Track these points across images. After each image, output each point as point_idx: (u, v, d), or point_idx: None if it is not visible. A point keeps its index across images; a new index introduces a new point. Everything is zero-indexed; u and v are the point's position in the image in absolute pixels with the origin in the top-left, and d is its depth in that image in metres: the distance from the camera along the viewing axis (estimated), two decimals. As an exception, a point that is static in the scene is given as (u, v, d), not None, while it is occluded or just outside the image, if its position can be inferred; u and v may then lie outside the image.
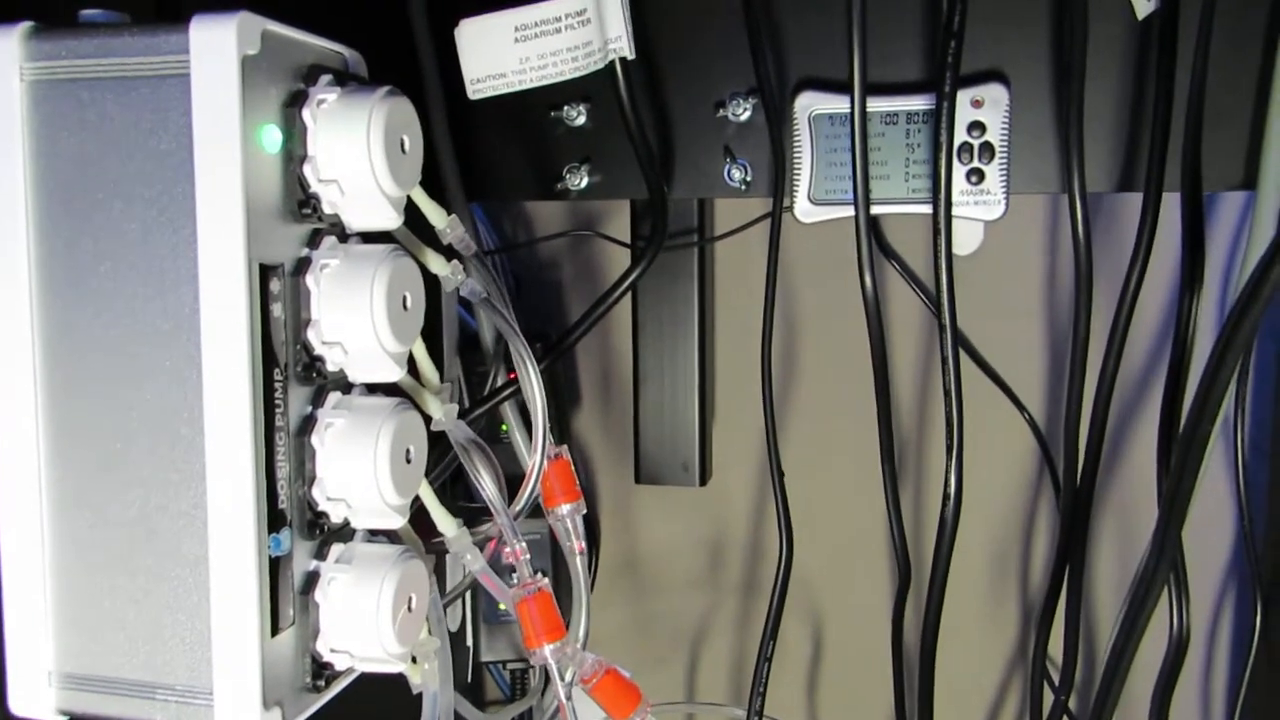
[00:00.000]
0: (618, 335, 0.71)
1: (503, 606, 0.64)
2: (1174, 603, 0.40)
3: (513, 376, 0.58)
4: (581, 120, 0.54)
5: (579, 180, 0.55)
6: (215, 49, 0.30)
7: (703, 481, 0.65)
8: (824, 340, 0.69)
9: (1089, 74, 0.46)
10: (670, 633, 0.74)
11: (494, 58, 0.48)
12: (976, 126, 0.50)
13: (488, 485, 0.40)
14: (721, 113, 0.53)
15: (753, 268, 0.69)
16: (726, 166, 0.54)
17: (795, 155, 0.52)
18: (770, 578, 0.71)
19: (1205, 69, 0.41)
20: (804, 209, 0.53)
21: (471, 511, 0.44)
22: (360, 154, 0.32)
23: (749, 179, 0.53)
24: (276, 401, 0.32)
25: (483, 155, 0.56)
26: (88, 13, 0.32)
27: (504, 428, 0.58)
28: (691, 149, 0.54)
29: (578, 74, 0.47)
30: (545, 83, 0.48)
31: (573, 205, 0.70)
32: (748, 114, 0.53)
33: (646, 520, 0.73)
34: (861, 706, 0.72)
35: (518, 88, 0.48)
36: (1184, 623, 0.39)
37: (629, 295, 0.63)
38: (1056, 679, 0.56)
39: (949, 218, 0.45)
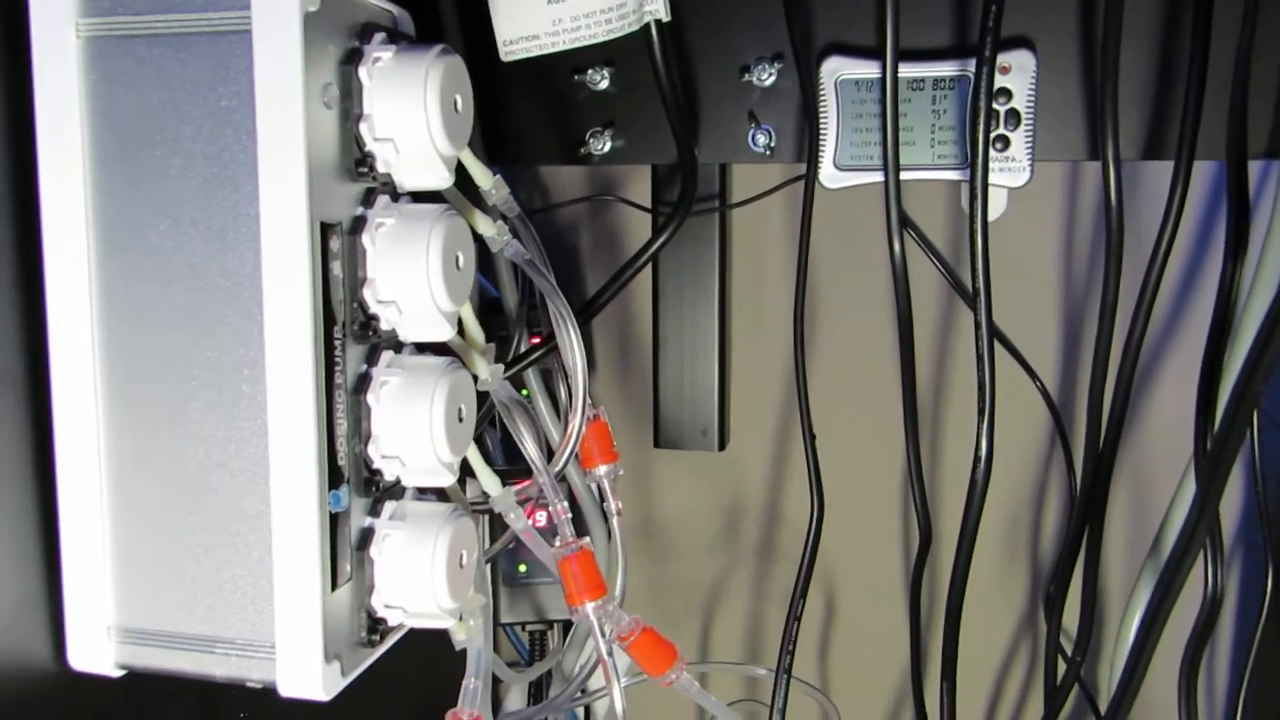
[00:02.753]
0: (635, 301, 0.71)
1: (523, 569, 0.65)
2: (1208, 563, 0.41)
3: (534, 340, 0.58)
4: (605, 84, 0.54)
5: (602, 145, 0.55)
6: (278, 5, 0.30)
7: (721, 446, 0.65)
8: (838, 307, 0.69)
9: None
10: (685, 596, 0.75)
11: (527, 19, 0.48)
12: (1003, 93, 0.50)
13: (529, 445, 0.40)
14: (746, 78, 0.53)
15: (767, 233, 0.69)
16: (751, 132, 0.54)
17: (821, 121, 0.52)
18: (786, 542, 0.73)
19: (1255, 24, 0.41)
20: (829, 175, 0.53)
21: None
22: (417, 113, 0.32)
23: (773, 144, 0.54)
24: (336, 359, 0.32)
25: (505, 119, 0.56)
26: (142, -32, 0.32)
27: (524, 392, 0.58)
28: (716, 114, 0.54)
29: (611, 36, 0.47)
30: (579, 45, 0.48)
31: (590, 170, 0.70)
32: (772, 79, 0.53)
33: (662, 485, 0.73)
34: (873, 670, 0.73)
35: (550, 50, 0.48)
36: (1218, 583, 0.40)
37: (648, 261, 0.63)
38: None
39: (985, 182, 0.45)
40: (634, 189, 0.68)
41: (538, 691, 0.67)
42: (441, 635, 0.38)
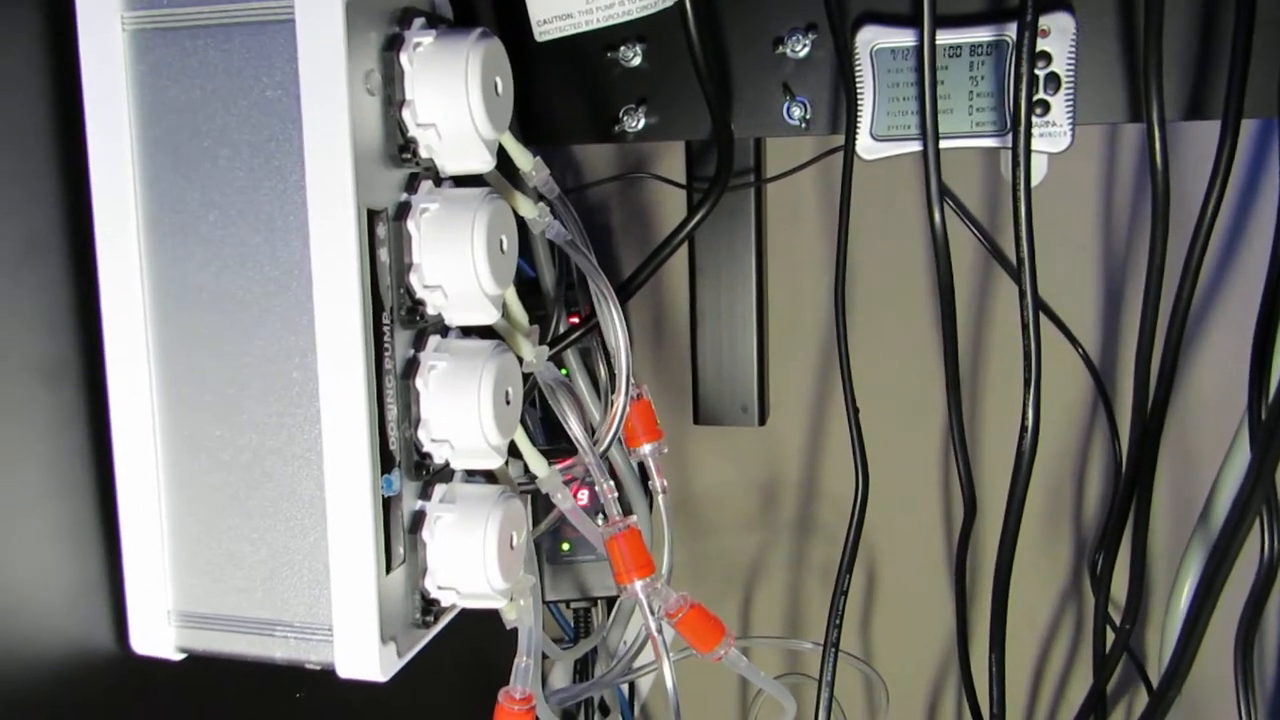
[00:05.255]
0: (670, 277, 0.71)
1: (566, 547, 0.65)
2: (1265, 529, 0.40)
3: (572, 320, 0.58)
4: (638, 61, 0.54)
5: (636, 122, 0.55)
6: (320, -7, 0.30)
7: (762, 421, 0.65)
8: (873, 278, 0.69)
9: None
10: (725, 571, 0.75)
11: (560, -2, 0.47)
12: (1042, 56, 0.49)
13: (574, 425, 0.40)
14: (780, 49, 0.52)
15: (801, 206, 0.68)
16: (786, 104, 0.53)
17: (857, 91, 0.52)
18: (824, 515, 0.73)
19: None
20: (866, 145, 0.52)
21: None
22: (459, 98, 0.32)
23: (808, 116, 0.53)
24: (385, 345, 0.33)
25: (538, 99, 0.56)
26: (183, -41, 0.32)
27: (563, 371, 0.58)
28: (750, 87, 0.53)
29: (645, 13, 0.47)
30: (612, 23, 0.48)
31: (622, 147, 0.69)
32: (806, 50, 0.52)
33: (700, 461, 0.74)
34: (916, 641, 0.73)
35: (584, 28, 0.48)
36: (1275, 549, 0.40)
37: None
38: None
39: (1029, 149, 0.45)
40: (666, 165, 0.68)
41: (583, 668, 0.68)
42: (489, 614, 0.39)
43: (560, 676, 0.72)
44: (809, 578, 0.74)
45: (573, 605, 0.67)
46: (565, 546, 0.65)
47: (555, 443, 0.60)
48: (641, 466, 0.47)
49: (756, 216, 0.63)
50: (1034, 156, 0.50)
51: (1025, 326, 0.45)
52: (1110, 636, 0.57)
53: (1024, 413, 0.45)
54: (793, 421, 0.71)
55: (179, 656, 0.36)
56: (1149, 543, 0.65)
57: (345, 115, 0.30)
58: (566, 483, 0.42)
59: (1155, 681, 0.59)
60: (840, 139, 0.52)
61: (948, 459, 0.70)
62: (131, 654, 0.36)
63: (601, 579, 0.65)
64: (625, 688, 0.74)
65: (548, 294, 0.56)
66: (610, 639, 0.65)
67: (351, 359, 0.31)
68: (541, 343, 0.51)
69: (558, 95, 0.55)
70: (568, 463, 0.43)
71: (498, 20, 0.49)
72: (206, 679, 0.38)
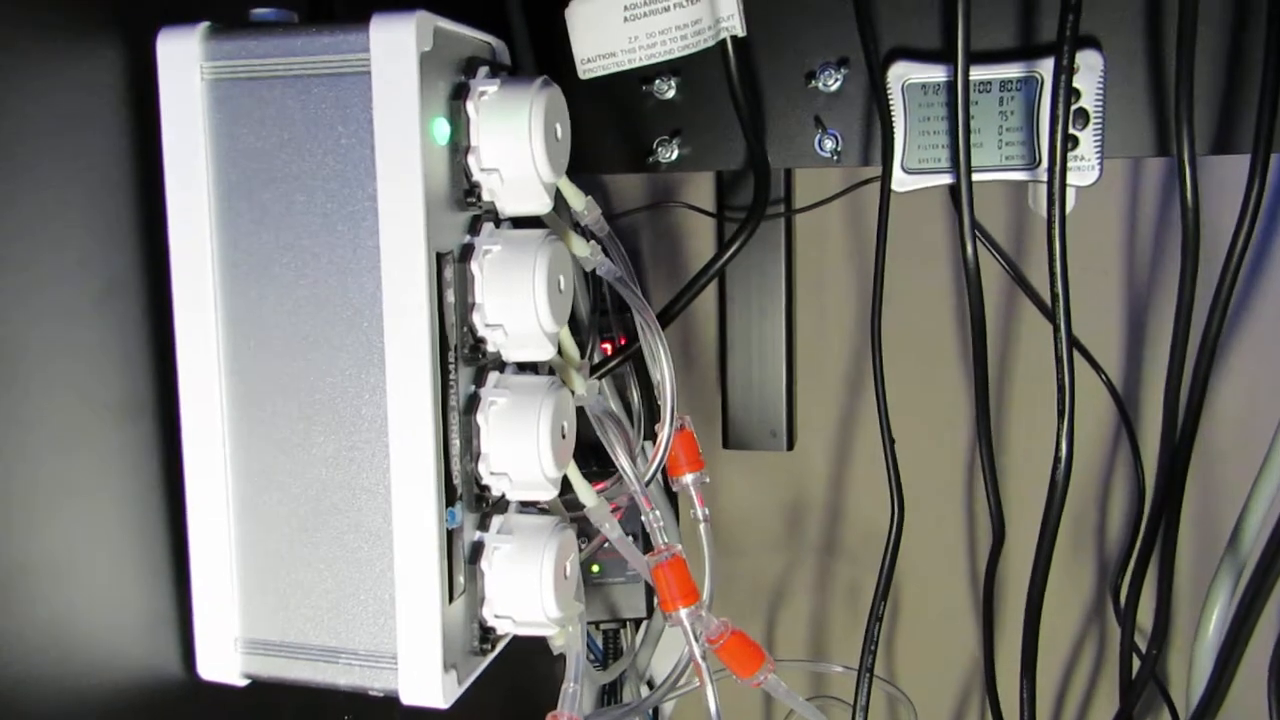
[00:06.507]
0: (699, 304, 0.72)
1: (596, 569, 0.66)
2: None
3: (604, 346, 0.60)
4: (672, 93, 0.55)
5: (670, 153, 0.56)
6: (396, 47, 0.31)
7: (790, 447, 0.66)
8: (897, 308, 0.70)
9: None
10: (750, 592, 0.76)
11: (604, 37, 0.49)
12: (1071, 92, 0.50)
13: (622, 457, 0.41)
14: (812, 84, 0.54)
15: (827, 236, 0.69)
16: (818, 137, 0.54)
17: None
18: (849, 538, 0.73)
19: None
20: (898, 178, 0.53)
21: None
22: (522, 144, 0.33)
23: (840, 149, 0.54)
24: (450, 382, 0.34)
25: (574, 130, 0.57)
26: (259, 11, 0.34)
27: (597, 396, 0.59)
28: (782, 120, 0.55)
29: (687, 52, 0.48)
30: (654, 61, 0.49)
31: (651, 176, 0.71)
32: (839, 84, 0.53)
33: (726, 483, 0.74)
34: (939, 664, 0.74)
35: (627, 67, 0.49)
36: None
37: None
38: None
39: (1064, 184, 0.46)
40: (694, 193, 0.69)
41: (611, 687, 0.69)
42: (531, 638, 0.39)
43: (587, 697, 0.73)
44: (834, 600, 0.75)
45: (602, 627, 0.68)
46: (595, 568, 0.66)
47: (584, 464, 0.61)
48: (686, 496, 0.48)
49: (787, 246, 0.64)
50: (1063, 190, 0.51)
51: (1059, 360, 0.46)
52: (1135, 662, 0.57)
53: (1058, 444, 0.46)
54: (819, 446, 0.72)
55: (244, 683, 0.37)
56: (1177, 567, 0.66)
57: (418, 163, 0.31)
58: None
59: (1179, 706, 0.60)
60: (869, 170, 0.53)
61: (971, 481, 0.71)
62: (198, 680, 0.37)
63: (631, 600, 0.66)
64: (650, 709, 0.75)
65: (582, 322, 0.58)
66: (639, 660, 0.66)
67: (421, 397, 0.32)
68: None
69: (593, 126, 0.56)
70: (603, 486, 0.44)
71: (536, 57, 0.50)
72: (264, 704, 0.39)
